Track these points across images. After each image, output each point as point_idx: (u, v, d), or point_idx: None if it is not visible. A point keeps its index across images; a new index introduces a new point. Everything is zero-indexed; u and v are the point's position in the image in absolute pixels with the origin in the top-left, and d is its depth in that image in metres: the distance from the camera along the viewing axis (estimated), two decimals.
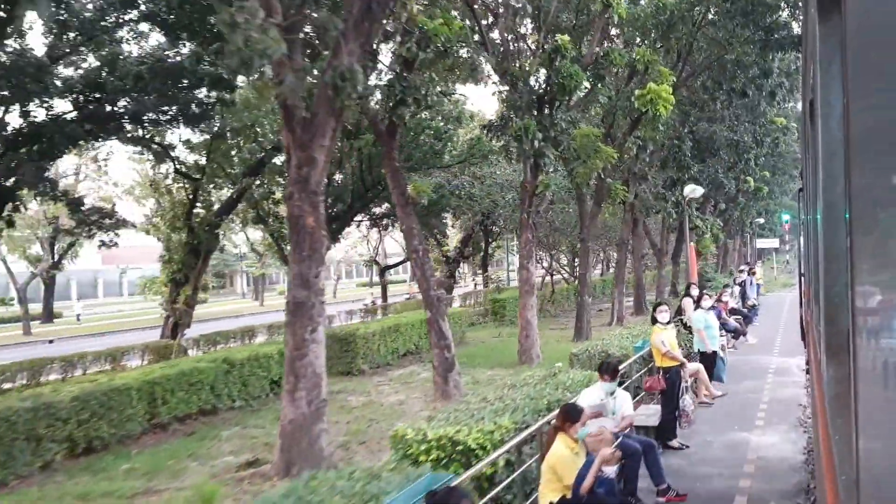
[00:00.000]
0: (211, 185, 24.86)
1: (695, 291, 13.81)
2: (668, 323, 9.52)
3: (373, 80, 14.04)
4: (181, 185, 24.64)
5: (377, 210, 34.36)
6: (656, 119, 19.13)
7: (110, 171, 57.38)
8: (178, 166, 23.39)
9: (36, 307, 44.69)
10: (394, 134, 13.60)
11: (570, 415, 5.59)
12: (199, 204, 24.63)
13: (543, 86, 16.20)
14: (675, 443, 8.76)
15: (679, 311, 14.24)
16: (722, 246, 47.88)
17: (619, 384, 9.64)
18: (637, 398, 9.74)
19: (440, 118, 30.39)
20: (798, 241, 16.82)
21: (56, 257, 41.02)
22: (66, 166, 41.90)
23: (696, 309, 12.33)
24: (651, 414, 8.92)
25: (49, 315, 44.33)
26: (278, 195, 31.22)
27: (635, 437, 7.08)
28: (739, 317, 19.31)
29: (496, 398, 8.51)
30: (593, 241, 36.74)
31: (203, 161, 25.09)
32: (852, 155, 1.22)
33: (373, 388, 14.77)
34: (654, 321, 9.58)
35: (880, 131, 1.12)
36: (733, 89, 25.38)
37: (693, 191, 15.91)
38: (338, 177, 31.60)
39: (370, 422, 11.81)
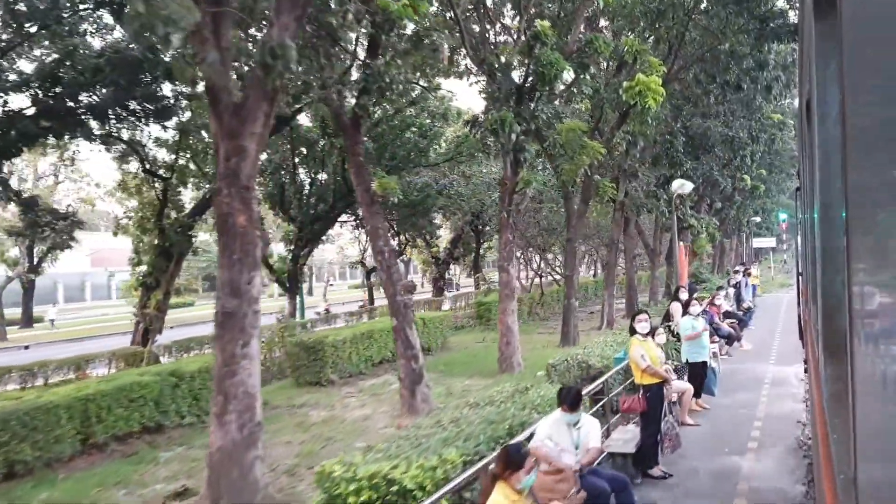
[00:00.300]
0: (182, 185, 23.75)
1: (684, 295, 12.77)
2: (650, 334, 8.46)
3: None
4: (151, 184, 23.55)
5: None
6: (645, 112, 18.11)
7: (93, 172, 56.28)
8: (146, 165, 22.30)
9: (16, 311, 43.56)
10: (357, 126, 12.54)
11: (512, 460, 4.50)
12: (170, 205, 23.54)
13: (522, 76, 15.14)
14: (656, 471, 7.70)
15: (667, 317, 13.20)
16: (718, 246, 47.00)
17: (596, 402, 8.65)
18: (614, 419, 8.68)
19: (426, 115, 29.38)
20: (795, 240, 16.26)
21: (35, 260, 39.87)
22: (43, 167, 40.82)
23: (683, 315, 11.28)
24: (628, 439, 7.85)
25: (28, 320, 43.19)
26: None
27: (605, 473, 6.02)
28: (734, 320, 18.28)
29: (451, 421, 7.45)
30: (585, 242, 35.75)
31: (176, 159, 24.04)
32: (849, 154, 1.25)
33: (339, 401, 13.71)
34: (633, 331, 8.51)
35: (877, 130, 1.11)
36: (727, 82, 24.36)
37: (682, 186, 14.85)
38: (322, 176, 30.59)
39: (327, 441, 10.75)
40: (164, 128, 19.91)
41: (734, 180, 47.09)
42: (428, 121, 29.69)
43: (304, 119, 28.81)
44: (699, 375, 10.42)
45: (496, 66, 14.53)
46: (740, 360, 14.93)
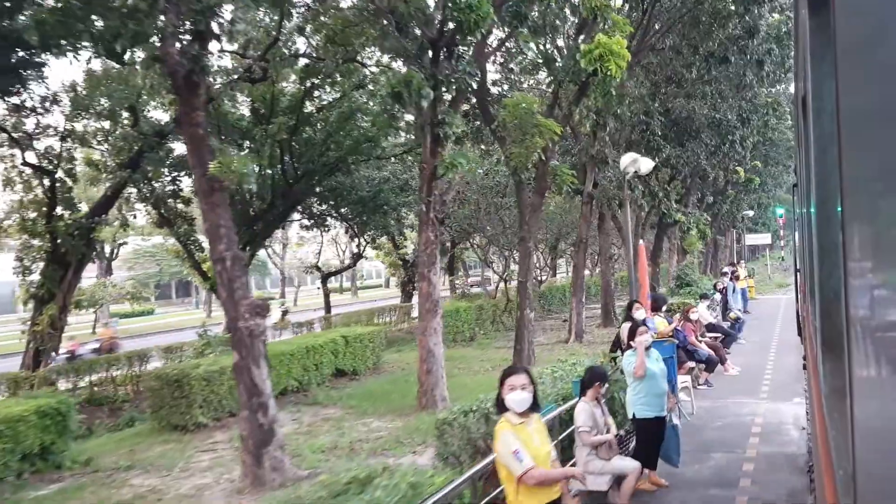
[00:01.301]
0: (73, 180, 20.36)
1: (640, 314, 9.33)
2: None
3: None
4: (39, 179, 20.14)
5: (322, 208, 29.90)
6: (608, 82, 14.76)
7: None
8: (24, 156, 18.90)
9: None
10: (194, 87, 9.12)
11: None
12: (61, 203, 20.14)
13: (437, 25, 11.70)
14: None
15: (616, 345, 9.82)
16: (711, 243, 43.57)
17: None
18: None
19: (378, 100, 25.92)
20: (793, 236, 15.21)
21: None
22: None
23: (625, 348, 7.87)
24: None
25: None
26: (187, 192, 26.88)
27: None
28: (718, 335, 14.90)
29: None
30: (563, 240, 32.35)
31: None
32: (844, 149, 1.26)
33: (186, 460, 10.27)
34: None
35: (872, 125, 1.10)
36: (712, 54, 21.00)
37: (634, 163, 11.35)
38: (255, 168, 27.13)
39: None
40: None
41: (727, 172, 44.10)
42: (377, 107, 26.23)
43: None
44: (652, 438, 7.00)
45: (402, 12, 11.12)
46: (723, 390, 11.53)
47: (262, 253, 60.25)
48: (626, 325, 8.88)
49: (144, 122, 21.25)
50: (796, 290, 6.96)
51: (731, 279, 17.12)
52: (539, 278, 33.76)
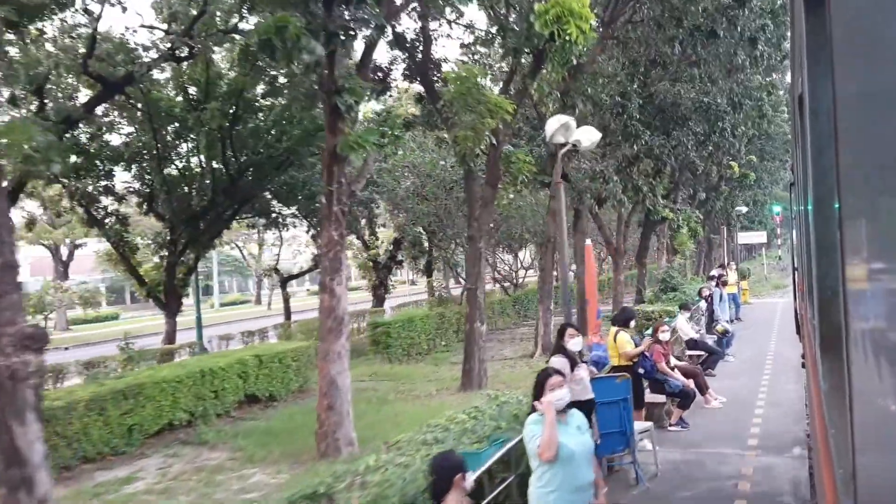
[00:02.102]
0: None
1: (575, 343, 6.66)
2: None
3: None
4: None
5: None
6: (567, 48, 12.22)
7: None
8: None
9: None
10: None
11: None
12: None
13: None
14: None
15: (539, 389, 7.21)
16: (704, 242, 40.93)
17: None
18: None
19: None
20: (791, 234, 14.45)
21: None
22: None
23: (536, 400, 5.23)
24: None
25: None
26: (119, 188, 24.28)
27: None
28: (701, 354, 12.34)
29: None
30: (531, 237, 29.76)
31: None
32: (841, 148, 1.27)
33: None
34: None
35: (868, 124, 1.12)
36: (698, 28, 18.44)
37: (564, 130, 8.60)
38: (194, 161, 24.53)
39: None
40: None
41: (720, 167, 41.51)
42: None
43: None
44: None
45: None
46: (700, 433, 8.95)
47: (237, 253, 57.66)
48: (557, 360, 6.29)
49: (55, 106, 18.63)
50: (794, 290, 6.35)
51: (717, 284, 14.53)
52: (515, 281, 31.19)
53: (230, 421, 12.72)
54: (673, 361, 10.02)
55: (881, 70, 0.99)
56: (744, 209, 29.51)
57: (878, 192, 1.04)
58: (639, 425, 7.45)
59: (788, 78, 42.31)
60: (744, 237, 29.17)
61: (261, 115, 23.36)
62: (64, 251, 45.13)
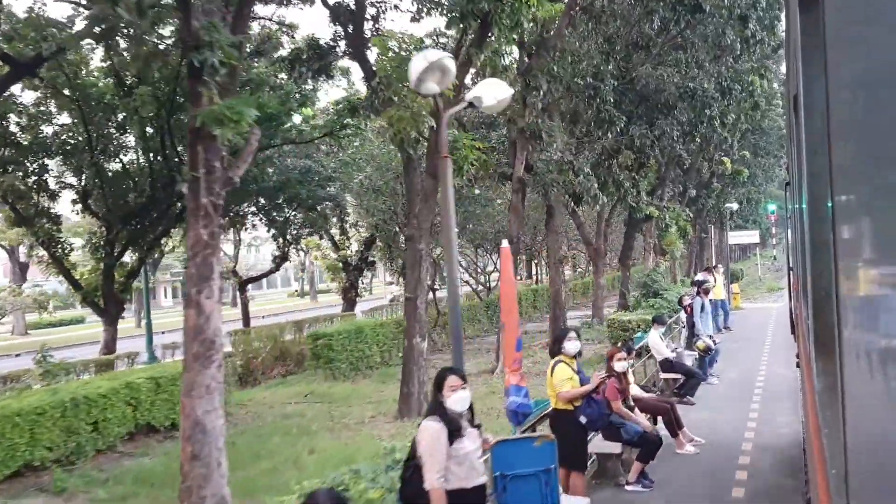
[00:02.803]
0: None
1: (459, 401, 4.47)
2: None
3: None
4: None
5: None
6: (517, 10, 10.18)
7: None
8: None
9: None
10: None
11: None
12: None
13: None
14: None
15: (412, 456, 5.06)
16: (695, 242, 38.84)
17: None
18: None
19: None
20: (786, 234, 13.57)
21: None
22: None
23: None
24: None
25: None
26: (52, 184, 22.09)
27: None
28: (677, 378, 10.28)
29: None
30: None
31: None
32: (834, 147, 1.28)
33: None
34: None
35: (861, 124, 1.12)
36: (681, 1, 16.38)
37: (435, 71, 6.45)
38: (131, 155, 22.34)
39: None
40: None
41: (711, 163, 39.60)
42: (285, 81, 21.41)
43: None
44: None
45: None
46: (663, 501, 6.81)
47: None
48: (430, 426, 4.13)
49: None
50: (789, 289, 6.94)
51: (698, 293, 12.40)
52: (488, 284, 29.10)
53: (115, 458, 10.59)
54: (636, 392, 7.93)
55: (874, 70, 1.01)
56: (734, 206, 27.38)
57: (872, 192, 1.06)
58: (571, 501, 5.33)
59: (783, 69, 40.31)
60: (735, 237, 27.08)
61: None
62: (23, 252, 42.80)
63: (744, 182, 43.32)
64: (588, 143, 21.03)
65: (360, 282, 34.49)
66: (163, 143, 20.49)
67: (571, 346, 6.30)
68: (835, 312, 1.33)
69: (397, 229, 23.32)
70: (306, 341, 16.49)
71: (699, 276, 16.56)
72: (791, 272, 6.72)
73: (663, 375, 10.62)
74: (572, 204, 21.56)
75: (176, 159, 20.84)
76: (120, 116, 20.73)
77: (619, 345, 8.23)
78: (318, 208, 25.40)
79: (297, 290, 69.09)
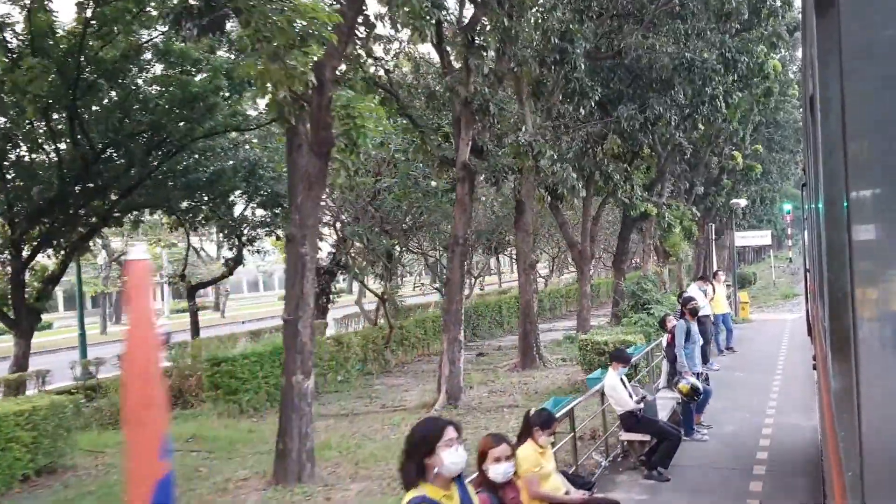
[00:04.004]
0: None
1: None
2: None
3: None
4: None
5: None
6: None
7: None
8: None
9: None
10: None
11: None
12: None
13: None
14: None
15: None
16: (704, 243, 35.36)
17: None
18: None
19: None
20: (802, 235, 12.62)
21: None
22: None
23: None
24: None
25: None
26: None
27: None
28: (646, 438, 7.02)
29: None
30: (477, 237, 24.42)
31: None
32: (850, 149, 1.29)
33: None
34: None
35: (876, 125, 1.13)
36: None
37: None
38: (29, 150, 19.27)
39: None
40: None
41: (720, 157, 36.22)
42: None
43: None
44: None
45: None
46: None
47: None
48: None
49: None
50: (806, 291, 6.76)
51: (682, 314, 9.07)
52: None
53: None
54: (553, 491, 4.73)
55: (889, 71, 1.02)
56: (742, 202, 23.98)
57: (887, 192, 1.06)
58: None
59: (799, 53, 36.75)
60: (743, 238, 23.59)
61: (121, 81, 18.02)
62: None
63: (757, 179, 39.90)
64: (566, 125, 17.81)
65: (332, 286, 31.24)
66: (72, 129, 17.43)
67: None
68: (850, 313, 1.33)
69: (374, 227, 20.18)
70: (204, 367, 13.37)
71: (689, 290, 13.23)
72: (808, 274, 6.49)
73: (625, 437, 7.39)
74: (549, 198, 18.38)
75: (88, 147, 17.84)
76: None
77: (494, 437, 4.70)
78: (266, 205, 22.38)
79: None
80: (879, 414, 1.14)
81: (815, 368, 5.79)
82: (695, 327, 8.98)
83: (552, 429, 5.08)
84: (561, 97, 13.36)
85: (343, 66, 9.79)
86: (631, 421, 7.26)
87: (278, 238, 25.48)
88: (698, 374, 8.96)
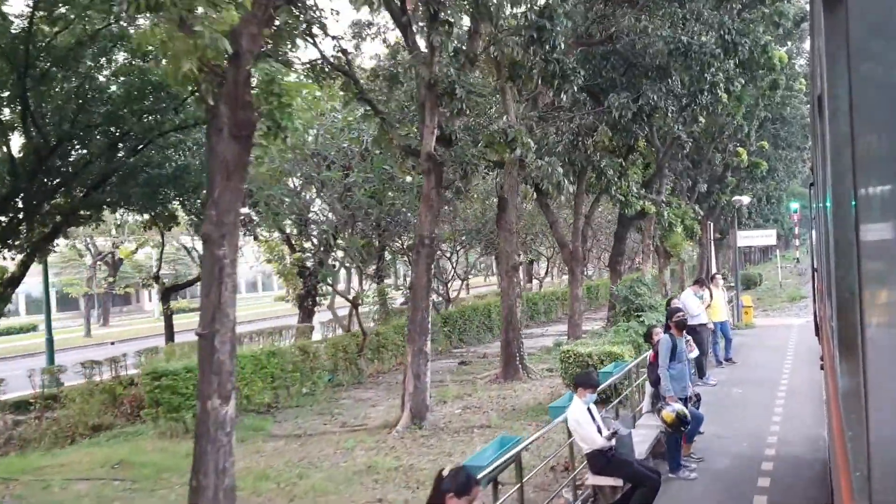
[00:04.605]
0: None
1: None
2: None
3: None
4: None
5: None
6: None
7: None
8: None
9: None
10: None
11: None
12: None
13: None
14: None
15: None
16: (708, 242, 33.90)
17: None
18: None
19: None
20: (810, 234, 12.36)
21: None
22: None
23: None
24: None
25: None
26: None
27: None
28: (618, 484, 5.63)
29: None
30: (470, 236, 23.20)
31: None
32: (857, 148, 1.30)
33: None
34: None
35: (885, 124, 1.13)
36: None
37: None
38: None
39: None
40: None
41: (724, 154, 34.86)
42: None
43: None
44: None
45: None
46: None
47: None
48: None
49: None
50: (814, 290, 6.64)
51: (668, 327, 7.65)
52: (448, 295, 24.56)
53: None
54: None
55: None
56: (745, 199, 22.52)
57: (895, 192, 1.07)
58: None
59: (807, 45, 35.21)
60: (746, 237, 22.07)
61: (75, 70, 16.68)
62: None
63: (762, 176, 38.49)
64: (553, 115, 16.48)
65: (319, 288, 29.92)
66: (24, 121, 16.14)
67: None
68: (858, 314, 1.34)
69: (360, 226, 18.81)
70: (143, 381, 12.09)
71: (682, 296, 11.84)
72: (815, 273, 6.52)
73: (592, 481, 6.05)
74: (534, 194, 17.04)
75: (42, 141, 16.57)
76: None
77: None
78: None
79: (285, 295, 64.86)
80: (887, 413, 1.15)
81: (822, 369, 5.78)
82: (682, 343, 7.60)
83: (472, 496, 3.75)
84: (540, 81, 11.98)
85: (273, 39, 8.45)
86: (600, 461, 5.93)
87: (255, 238, 24.16)
88: (687, 398, 7.60)
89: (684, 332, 8.00)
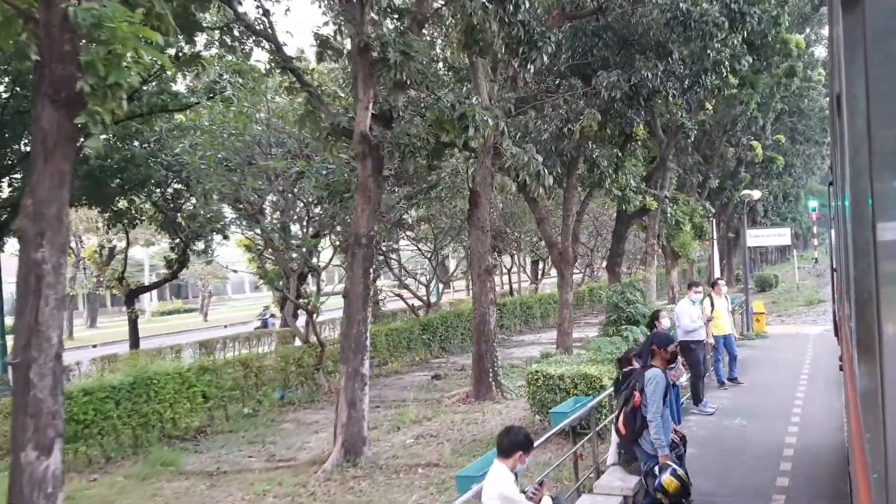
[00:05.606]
0: None
1: None
2: None
3: None
4: None
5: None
6: None
7: None
8: None
9: None
10: None
11: None
12: None
13: None
14: None
15: None
16: (720, 241, 31.72)
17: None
18: None
19: None
20: (829, 234, 10.66)
21: None
22: None
23: None
24: None
25: None
26: None
27: None
28: None
29: None
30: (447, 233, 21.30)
31: None
32: (874, 147, 1.32)
33: None
34: None
35: None
36: None
37: None
38: None
39: None
40: None
41: (737, 148, 32.79)
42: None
43: None
44: None
45: None
46: None
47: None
48: None
49: None
50: (833, 291, 6.77)
51: (649, 357, 5.64)
52: (427, 298, 22.65)
53: None
54: None
55: None
56: (756, 195, 20.36)
57: None
58: None
59: (825, 31, 32.70)
60: (756, 237, 19.89)
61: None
62: None
63: (779, 172, 36.24)
64: (537, 97, 14.54)
65: (302, 290, 28.03)
66: None
67: None
68: (875, 315, 1.33)
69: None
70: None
71: (678, 306, 9.81)
72: (834, 273, 6.38)
73: None
74: (514, 188, 15.06)
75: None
76: None
77: None
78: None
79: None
80: None
81: (841, 370, 5.65)
82: (666, 379, 5.60)
83: None
84: (503, 49, 10.01)
85: None
86: None
87: (225, 237, 22.31)
88: (674, 444, 5.64)
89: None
